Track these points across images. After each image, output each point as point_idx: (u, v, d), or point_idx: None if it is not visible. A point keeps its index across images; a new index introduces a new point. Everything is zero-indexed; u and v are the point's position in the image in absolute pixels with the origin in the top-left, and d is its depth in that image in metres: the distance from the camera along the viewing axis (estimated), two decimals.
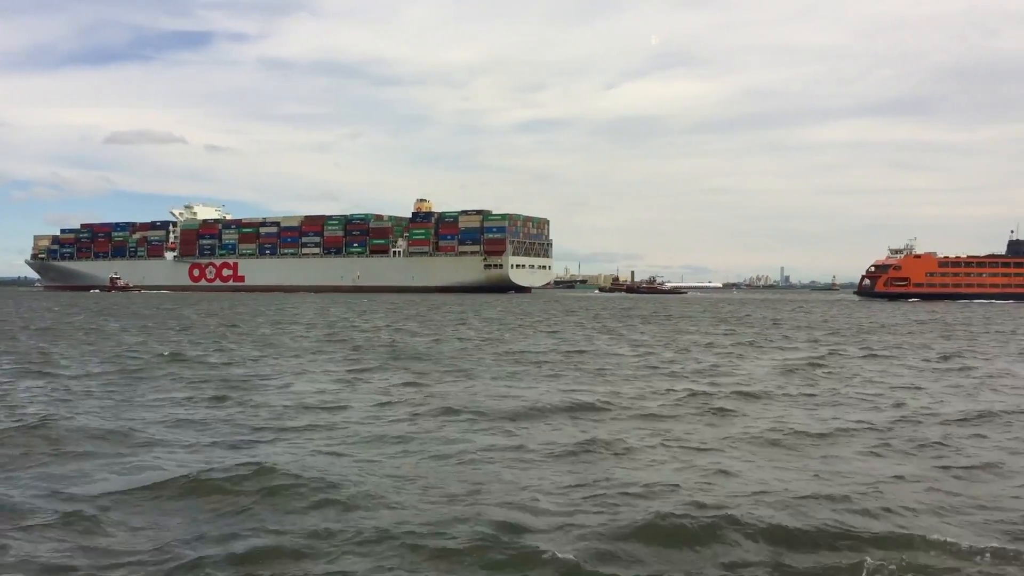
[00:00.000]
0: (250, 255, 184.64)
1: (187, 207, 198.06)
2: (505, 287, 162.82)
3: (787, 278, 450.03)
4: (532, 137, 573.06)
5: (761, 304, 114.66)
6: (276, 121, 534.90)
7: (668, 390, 20.88)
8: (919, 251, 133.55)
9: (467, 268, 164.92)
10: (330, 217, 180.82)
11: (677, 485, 11.09)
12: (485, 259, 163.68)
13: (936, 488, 11.27)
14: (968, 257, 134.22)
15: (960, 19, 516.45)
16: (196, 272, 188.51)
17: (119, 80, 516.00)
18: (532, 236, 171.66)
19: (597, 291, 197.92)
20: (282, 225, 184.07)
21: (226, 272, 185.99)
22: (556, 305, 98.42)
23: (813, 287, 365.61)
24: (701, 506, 10.04)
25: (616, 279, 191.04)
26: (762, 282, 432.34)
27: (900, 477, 11.87)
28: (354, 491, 10.63)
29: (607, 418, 16.70)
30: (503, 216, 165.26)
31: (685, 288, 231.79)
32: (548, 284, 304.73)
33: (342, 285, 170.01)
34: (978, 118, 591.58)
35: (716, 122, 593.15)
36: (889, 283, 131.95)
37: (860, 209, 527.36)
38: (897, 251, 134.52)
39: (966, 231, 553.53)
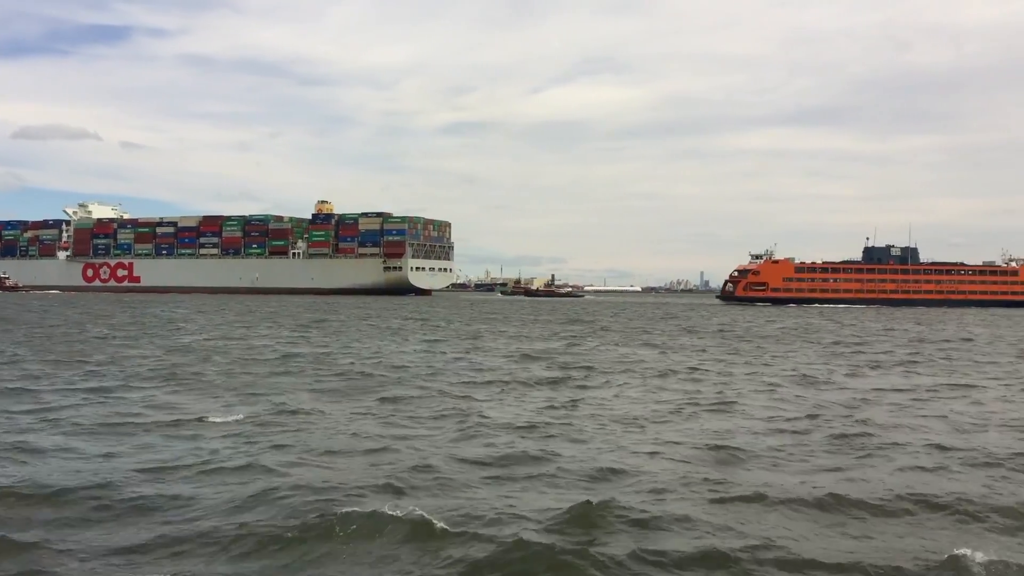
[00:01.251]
0: (146, 255, 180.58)
1: (81, 205, 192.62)
2: (405, 289, 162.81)
3: (707, 282, 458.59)
4: (458, 140, 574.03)
5: (642, 306, 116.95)
6: (196, 119, 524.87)
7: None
8: (779, 256, 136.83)
9: (367, 270, 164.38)
10: (228, 218, 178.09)
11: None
12: (385, 261, 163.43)
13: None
14: (824, 263, 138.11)
15: (875, 32, 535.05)
16: (90, 272, 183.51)
17: (31, 74, 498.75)
18: (433, 239, 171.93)
19: (500, 294, 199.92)
20: (179, 225, 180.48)
21: (121, 272, 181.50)
22: (436, 307, 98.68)
23: None
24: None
25: (518, 282, 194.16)
26: (681, 286, 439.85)
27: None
28: None
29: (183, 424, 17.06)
30: (403, 219, 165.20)
31: (585, 291, 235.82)
32: (468, 285, 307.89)
33: (240, 287, 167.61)
34: (892, 129, 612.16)
35: (641, 128, 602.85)
36: (748, 288, 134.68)
37: (779, 216, 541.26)
38: (758, 256, 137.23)
39: (883, 237, 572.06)
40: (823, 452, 14.48)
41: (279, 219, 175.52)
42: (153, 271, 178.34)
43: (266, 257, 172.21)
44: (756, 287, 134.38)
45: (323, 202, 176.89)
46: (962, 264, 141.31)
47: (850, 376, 27.56)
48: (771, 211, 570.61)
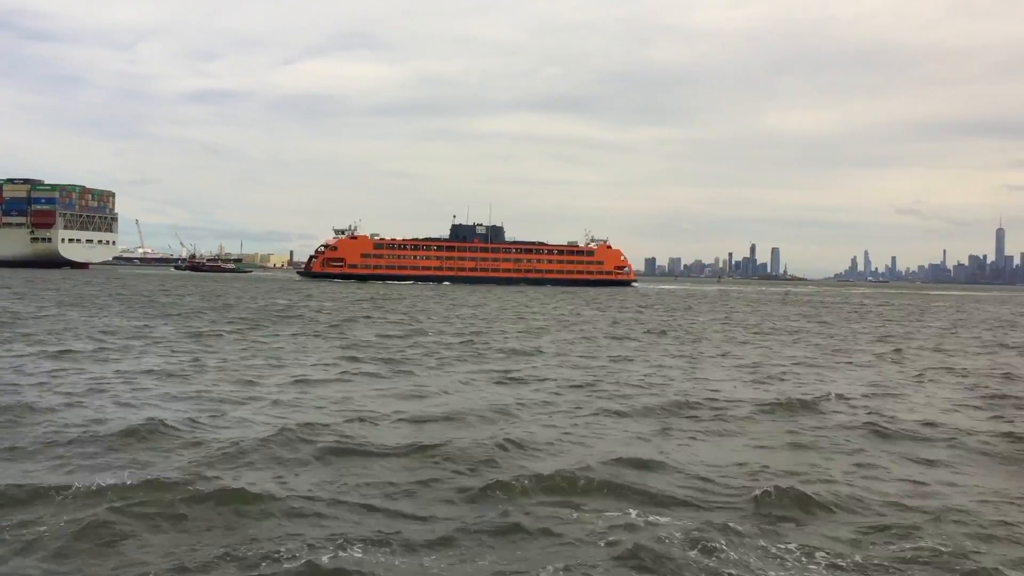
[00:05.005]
0: None
1: None
2: (57, 262, 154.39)
3: None
4: (203, 108, 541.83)
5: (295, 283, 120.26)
6: None
7: None
8: (361, 232, 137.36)
9: (11, 241, 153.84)
10: None
11: None
12: (33, 232, 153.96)
13: None
14: (404, 240, 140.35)
15: (619, 27, 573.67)
16: None
17: None
18: (92, 209, 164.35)
19: (173, 268, 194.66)
20: None
21: None
22: (70, 281, 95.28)
23: None
24: None
25: (193, 256, 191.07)
26: None
27: None
28: None
29: None
30: (54, 187, 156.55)
31: (250, 268, 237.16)
32: (134, 257, 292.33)
33: None
34: (633, 120, 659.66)
35: (395, 106, 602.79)
36: (326, 263, 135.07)
37: (529, 198, 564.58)
38: (341, 232, 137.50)
39: (623, 222, 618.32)
40: None
41: None
42: None
43: None
44: (334, 263, 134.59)
45: None
46: (543, 244, 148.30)
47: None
48: (522, 193, 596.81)
